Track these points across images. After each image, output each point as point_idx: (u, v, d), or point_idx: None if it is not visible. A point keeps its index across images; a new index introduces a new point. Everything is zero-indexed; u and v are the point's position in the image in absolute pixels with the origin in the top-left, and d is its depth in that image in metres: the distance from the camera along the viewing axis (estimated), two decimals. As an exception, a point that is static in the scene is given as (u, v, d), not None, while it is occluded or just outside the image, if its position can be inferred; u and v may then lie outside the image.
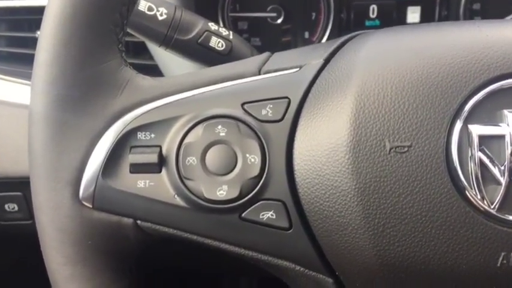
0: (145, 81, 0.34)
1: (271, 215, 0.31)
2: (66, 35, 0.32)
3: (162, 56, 0.59)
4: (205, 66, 0.51)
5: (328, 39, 0.76)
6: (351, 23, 0.76)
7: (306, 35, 0.76)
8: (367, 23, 0.76)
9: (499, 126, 0.29)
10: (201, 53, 0.49)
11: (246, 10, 0.76)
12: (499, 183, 0.28)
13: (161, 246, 0.35)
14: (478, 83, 0.29)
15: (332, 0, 0.75)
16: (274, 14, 0.75)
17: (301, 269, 0.32)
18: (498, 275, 0.28)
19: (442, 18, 0.74)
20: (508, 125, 0.29)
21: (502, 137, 0.29)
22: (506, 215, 0.28)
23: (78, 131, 0.32)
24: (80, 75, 0.32)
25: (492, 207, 0.28)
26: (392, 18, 0.75)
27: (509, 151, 0.28)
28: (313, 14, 0.76)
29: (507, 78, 0.29)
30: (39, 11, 0.36)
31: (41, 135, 0.32)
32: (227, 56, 0.49)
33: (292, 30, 0.76)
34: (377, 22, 0.76)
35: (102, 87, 0.32)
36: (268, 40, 0.77)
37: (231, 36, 0.50)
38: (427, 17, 0.75)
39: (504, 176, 0.28)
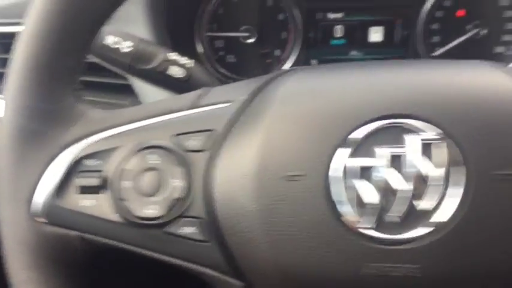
0: (96, 114, 0.40)
1: (194, 230, 0.37)
2: (28, 75, 0.38)
3: (136, 80, 0.65)
4: (169, 91, 0.57)
5: (297, 57, 0.82)
6: (318, 42, 0.82)
7: (277, 52, 0.82)
8: (333, 41, 0.82)
9: (374, 159, 0.35)
10: (162, 80, 0.55)
11: (222, 30, 0.82)
12: (368, 207, 0.34)
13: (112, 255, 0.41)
14: (360, 122, 0.35)
15: (300, 21, 0.80)
16: (246, 34, 0.81)
17: (219, 274, 0.38)
18: (362, 282, 0.35)
19: (404, 37, 0.79)
20: (382, 159, 0.34)
21: (375, 168, 0.34)
22: (369, 233, 0.34)
23: (35, 158, 0.38)
24: (39, 110, 0.38)
25: (358, 226, 0.34)
26: (357, 37, 0.81)
27: (380, 182, 0.34)
28: (283, 33, 0.82)
29: (384, 119, 0.35)
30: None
31: (5, 158, 0.39)
32: (186, 82, 0.55)
33: (264, 49, 0.82)
34: (342, 41, 0.81)
35: (57, 121, 0.39)
36: (242, 57, 0.83)
37: (189, 65, 0.56)
38: (389, 36, 0.80)
39: (373, 201, 0.34)
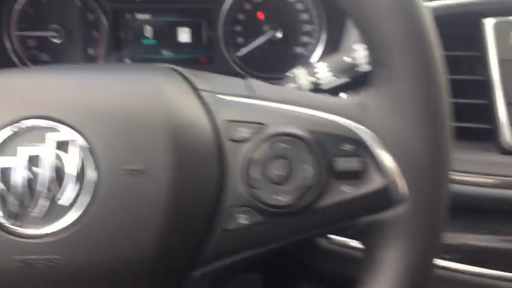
0: None
1: None
2: None
3: None
4: None
5: (110, 56, 0.83)
6: (129, 41, 0.84)
7: (90, 51, 0.84)
8: (145, 41, 0.84)
9: (15, 159, 0.37)
10: None
11: (32, 29, 0.82)
12: (11, 205, 0.37)
13: None
14: (5, 122, 0.37)
15: (109, 21, 0.82)
16: (55, 34, 0.82)
17: None
18: (10, 275, 0.37)
19: (210, 38, 0.83)
20: (22, 158, 0.37)
21: (16, 168, 0.37)
22: (14, 228, 0.37)
23: None
24: None
25: (2, 222, 0.37)
26: (166, 37, 0.83)
27: (20, 181, 0.37)
28: (95, 33, 0.83)
29: (28, 119, 0.37)
30: None
31: None
32: None
33: (77, 48, 0.83)
34: (153, 41, 0.84)
35: None
36: (55, 56, 0.84)
37: None
38: (196, 37, 0.83)
39: (15, 200, 0.37)
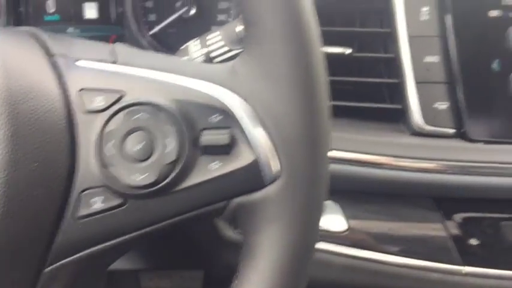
0: None
1: None
2: None
3: None
4: None
5: (10, 32, 0.76)
6: (30, 17, 0.77)
7: (-14, 27, 0.76)
8: (47, 17, 0.77)
9: None
10: None
11: None
12: None
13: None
14: None
15: (6, -6, 0.75)
16: None
17: None
18: None
19: (119, 14, 0.77)
20: None
21: None
22: None
23: None
24: None
25: None
26: (71, 13, 0.77)
27: None
28: (-10, 7, 0.76)
29: None
30: None
31: None
32: None
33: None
34: (56, 17, 0.77)
35: None
36: None
37: None
38: (104, 13, 0.77)
39: None
